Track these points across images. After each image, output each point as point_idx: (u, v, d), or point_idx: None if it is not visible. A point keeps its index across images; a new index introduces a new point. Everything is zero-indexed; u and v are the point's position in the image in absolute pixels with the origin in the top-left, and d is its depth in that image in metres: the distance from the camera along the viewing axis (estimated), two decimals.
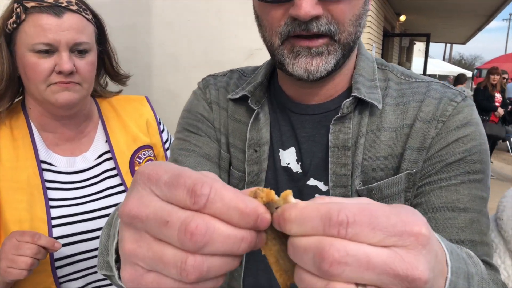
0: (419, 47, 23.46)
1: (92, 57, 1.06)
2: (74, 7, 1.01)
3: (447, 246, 0.40)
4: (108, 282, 1.07)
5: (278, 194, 0.39)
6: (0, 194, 0.97)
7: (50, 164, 1.06)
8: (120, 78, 1.23)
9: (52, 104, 1.02)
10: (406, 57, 13.72)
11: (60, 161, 1.08)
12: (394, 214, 0.31)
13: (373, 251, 0.30)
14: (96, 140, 1.15)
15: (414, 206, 0.72)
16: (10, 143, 1.01)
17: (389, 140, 0.73)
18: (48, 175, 1.04)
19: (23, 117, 1.07)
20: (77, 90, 1.03)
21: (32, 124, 1.07)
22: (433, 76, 22.33)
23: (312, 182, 0.77)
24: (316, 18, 0.64)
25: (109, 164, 1.14)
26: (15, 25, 0.98)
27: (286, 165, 0.79)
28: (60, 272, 1.00)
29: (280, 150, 0.80)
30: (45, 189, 1.01)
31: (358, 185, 0.72)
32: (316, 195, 0.74)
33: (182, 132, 0.85)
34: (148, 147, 1.19)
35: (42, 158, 1.05)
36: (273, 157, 0.80)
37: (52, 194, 1.02)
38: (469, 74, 25.27)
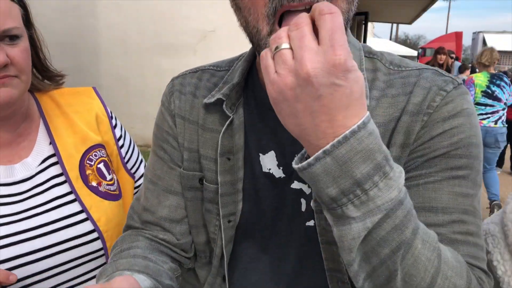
0: (368, 27, 23.97)
1: (24, 43, 0.89)
2: None
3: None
4: None
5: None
6: None
7: None
8: (50, 75, 1.03)
9: None
10: (356, 37, 13.95)
11: None
12: (345, 44, 0.47)
13: (312, 38, 0.47)
14: (38, 142, 0.97)
15: None
16: None
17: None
18: None
19: None
20: (15, 85, 0.87)
21: None
22: None
23: (296, 185, 0.72)
24: None
25: (56, 170, 0.96)
26: None
27: (267, 170, 0.73)
28: None
29: (260, 154, 0.74)
30: None
31: None
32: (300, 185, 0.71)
33: (153, 152, 0.83)
34: (100, 146, 1.02)
35: None
36: (251, 164, 0.74)
37: None
38: (414, 53, 26.22)
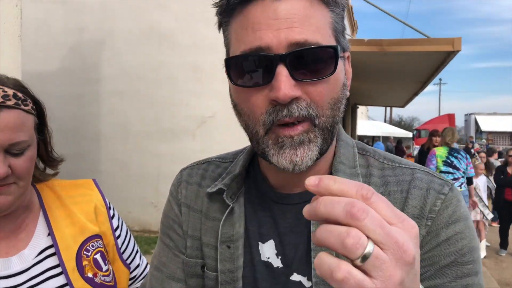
0: (361, 110, 24.81)
1: (31, 151, 0.93)
2: (11, 102, 0.88)
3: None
4: None
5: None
6: None
7: None
8: (53, 164, 1.08)
9: None
10: (351, 119, 14.38)
11: None
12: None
13: (385, 221, 0.41)
14: (36, 234, 0.98)
15: None
16: None
17: None
18: None
19: None
20: (12, 191, 0.90)
21: None
22: (377, 137, 23.48)
23: (295, 277, 0.71)
24: (296, 100, 0.62)
25: (52, 261, 0.96)
26: None
27: (266, 259, 0.74)
28: None
29: (260, 243, 0.75)
30: None
31: None
32: None
33: (160, 240, 0.86)
34: (97, 237, 1.04)
35: None
36: (250, 252, 0.75)
37: None
38: (409, 134, 26.82)
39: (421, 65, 7.20)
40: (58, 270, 0.96)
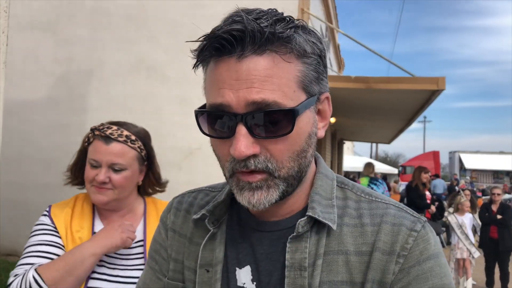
0: (347, 145, 25.04)
1: (127, 173, 1.44)
2: (122, 139, 1.43)
3: None
4: None
5: None
6: (68, 246, 1.38)
7: None
8: (161, 185, 1.63)
9: (92, 199, 1.46)
10: (338, 154, 14.48)
11: None
12: None
13: None
14: (138, 229, 1.50)
15: None
16: (79, 216, 1.47)
17: (347, 264, 0.71)
18: None
19: (90, 201, 1.50)
20: (108, 194, 1.43)
21: (95, 207, 1.51)
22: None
23: None
24: (254, 156, 0.66)
25: (138, 249, 1.47)
26: (86, 145, 1.49)
27: (242, 285, 0.76)
28: None
29: (237, 268, 0.77)
30: None
31: None
32: None
33: (147, 264, 0.93)
34: None
35: (94, 230, 1.45)
36: (227, 277, 0.77)
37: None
38: (395, 171, 27.05)
39: (407, 103, 7.34)
40: (142, 255, 1.47)
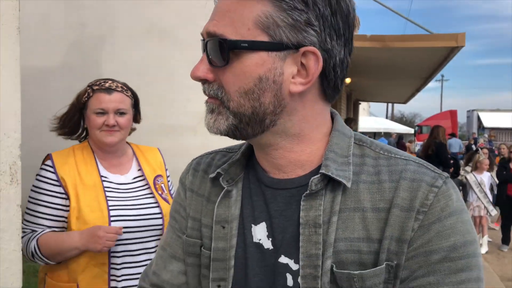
0: (363, 106, 24.78)
1: (128, 116, 1.76)
2: (119, 89, 1.75)
3: None
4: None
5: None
6: (79, 191, 1.64)
7: (106, 177, 1.74)
8: (137, 121, 1.91)
9: (102, 142, 1.72)
10: (353, 114, 14.37)
11: (112, 177, 1.75)
12: None
13: None
14: (132, 168, 1.83)
15: None
16: (84, 164, 1.72)
17: (363, 221, 0.70)
18: (105, 184, 1.71)
19: (90, 151, 1.77)
20: (117, 135, 1.73)
21: (95, 155, 1.76)
22: (378, 133, 23.45)
23: (283, 259, 0.75)
24: (208, 83, 0.72)
25: (141, 183, 1.80)
26: (86, 99, 1.74)
27: (257, 241, 0.78)
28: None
29: (252, 225, 0.79)
30: (104, 189, 1.68)
31: (332, 267, 0.70)
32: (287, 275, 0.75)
33: (169, 223, 0.97)
34: (161, 176, 1.88)
35: (101, 173, 1.73)
36: (244, 234, 0.79)
37: (108, 194, 1.69)
38: (411, 131, 26.77)
39: (424, 61, 7.17)
40: (146, 186, 1.79)
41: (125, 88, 1.79)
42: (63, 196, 1.64)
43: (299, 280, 0.71)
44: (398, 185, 0.70)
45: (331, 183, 0.72)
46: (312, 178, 0.72)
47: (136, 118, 1.88)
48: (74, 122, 1.79)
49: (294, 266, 0.73)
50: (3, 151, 1.31)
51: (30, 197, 1.68)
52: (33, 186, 1.68)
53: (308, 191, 0.72)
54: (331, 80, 0.73)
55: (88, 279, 1.61)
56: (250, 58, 0.68)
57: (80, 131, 1.83)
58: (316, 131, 0.76)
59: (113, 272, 1.64)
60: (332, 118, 0.80)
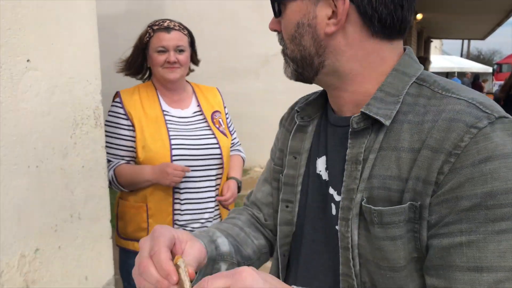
0: (435, 44, 23.14)
1: (187, 53, 1.90)
2: (177, 28, 1.87)
3: None
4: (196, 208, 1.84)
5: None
6: (144, 123, 1.81)
7: (167, 112, 1.89)
8: (195, 63, 2.06)
9: (165, 79, 1.87)
10: (424, 53, 13.53)
11: (173, 111, 1.91)
12: None
13: None
14: (191, 104, 1.99)
15: (429, 247, 0.67)
16: (147, 100, 1.88)
17: (398, 160, 0.70)
18: (166, 117, 1.87)
19: (153, 88, 1.92)
20: (178, 71, 1.86)
21: (158, 92, 1.92)
22: (451, 73, 21.98)
23: (331, 191, 0.81)
24: (278, 33, 0.82)
25: (199, 117, 1.96)
26: (147, 39, 1.86)
27: (319, 172, 0.85)
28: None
29: (316, 158, 0.86)
30: (166, 122, 1.85)
31: (362, 200, 0.73)
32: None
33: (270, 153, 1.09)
34: (219, 111, 2.05)
35: (163, 108, 1.89)
36: (310, 165, 0.88)
37: (169, 126, 1.85)
38: (489, 69, 24.76)
39: None
40: (204, 120, 1.94)
41: (182, 27, 1.91)
42: (131, 128, 1.82)
43: (339, 210, 0.76)
44: (435, 125, 0.67)
45: (378, 122, 0.73)
46: (353, 116, 0.74)
47: (193, 58, 2.00)
48: (138, 63, 1.92)
49: (337, 198, 0.79)
50: (86, 97, 1.44)
51: (105, 131, 1.89)
52: (106, 121, 1.86)
53: (350, 129, 0.75)
54: (373, 17, 0.72)
55: (155, 201, 1.81)
56: (290, 7, 0.77)
57: (143, 71, 1.98)
58: (370, 70, 0.76)
59: (176, 196, 1.83)
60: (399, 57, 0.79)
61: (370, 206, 0.71)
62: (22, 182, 1.24)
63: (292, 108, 1.00)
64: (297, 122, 0.91)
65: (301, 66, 0.80)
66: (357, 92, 0.78)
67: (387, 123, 0.71)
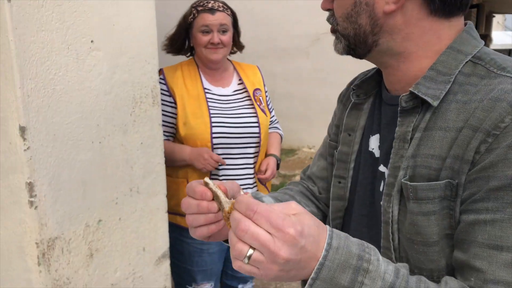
0: (497, 19, 21.66)
1: (230, 34, 1.93)
2: (221, 9, 1.90)
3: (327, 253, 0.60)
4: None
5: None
6: (185, 100, 1.88)
7: (209, 90, 1.94)
8: (239, 47, 2.10)
9: (208, 59, 1.92)
10: (485, 30, 12.74)
11: (215, 89, 1.96)
12: (282, 217, 0.57)
13: (262, 232, 0.57)
14: (233, 82, 2.04)
15: (459, 224, 0.68)
16: (189, 77, 1.94)
17: (441, 139, 0.70)
18: (208, 95, 1.92)
19: (196, 66, 1.98)
20: (221, 52, 1.91)
21: (200, 70, 1.98)
22: None
23: (381, 168, 0.83)
24: (329, 11, 0.83)
25: (241, 96, 2.01)
26: (192, 19, 1.90)
27: (371, 150, 0.87)
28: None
29: (370, 135, 0.88)
30: (207, 99, 1.90)
31: (403, 178, 0.73)
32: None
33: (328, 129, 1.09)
34: (259, 89, 2.08)
35: (205, 86, 1.94)
36: (362, 142, 0.90)
37: (210, 103, 1.90)
38: None
39: None
40: (247, 98, 2.00)
41: (226, 7, 1.94)
42: (173, 105, 1.89)
43: (385, 186, 0.78)
44: (480, 104, 0.66)
45: (426, 102, 0.72)
46: (401, 95, 0.74)
47: (235, 38, 2.03)
48: (181, 41, 1.99)
49: (387, 173, 0.79)
50: (145, 76, 1.50)
51: None
52: None
53: (400, 108, 0.75)
54: None
55: (195, 177, 1.89)
56: None
57: (185, 49, 2.04)
58: (424, 49, 0.75)
59: (215, 171, 1.90)
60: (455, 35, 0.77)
61: (407, 182, 0.72)
62: (86, 157, 1.32)
63: (350, 84, 1.00)
64: (353, 100, 0.92)
65: (353, 43, 0.80)
66: (410, 70, 0.78)
67: (435, 103, 0.71)
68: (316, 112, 5.74)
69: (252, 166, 1.97)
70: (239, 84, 2.04)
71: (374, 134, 0.86)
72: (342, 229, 0.93)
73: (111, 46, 1.36)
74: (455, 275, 0.69)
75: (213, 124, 1.86)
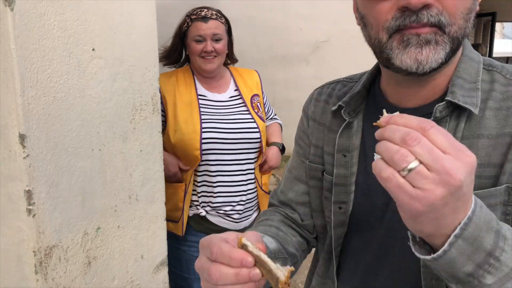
0: (496, 27, 21.73)
1: (224, 42, 1.92)
2: (214, 17, 1.89)
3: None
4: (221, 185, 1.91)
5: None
6: (178, 107, 1.86)
7: (204, 96, 1.93)
8: (232, 60, 2.10)
9: (202, 69, 1.92)
10: (482, 39, 12.80)
11: (210, 95, 1.95)
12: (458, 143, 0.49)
13: (439, 150, 0.48)
14: (229, 89, 2.02)
15: None
16: (184, 84, 1.92)
17: (487, 147, 0.69)
18: (201, 101, 1.91)
19: (191, 73, 1.97)
20: (215, 61, 1.91)
21: (195, 77, 1.97)
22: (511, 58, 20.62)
23: None
24: (427, 7, 0.64)
25: (238, 101, 1.99)
26: (186, 28, 1.91)
27: None
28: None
29: (375, 154, 0.80)
30: (199, 106, 1.88)
31: None
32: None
33: (294, 148, 1.03)
34: (257, 95, 2.05)
35: (199, 92, 1.93)
36: (365, 161, 0.83)
37: (202, 109, 1.88)
38: None
39: None
40: (243, 104, 1.97)
41: (219, 15, 1.94)
42: (162, 113, 1.84)
43: None
44: None
45: (457, 110, 0.71)
46: (437, 105, 0.71)
47: (229, 46, 2.01)
48: (178, 52, 2.00)
49: None
50: (145, 83, 1.50)
51: None
52: None
53: (432, 118, 0.71)
54: None
55: (189, 179, 1.89)
56: None
57: (182, 60, 2.04)
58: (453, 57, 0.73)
59: (207, 178, 1.89)
60: None
61: None
62: (86, 164, 1.31)
63: (318, 100, 0.94)
64: (347, 120, 0.85)
65: (454, 48, 0.68)
66: (441, 79, 0.74)
67: (476, 111, 0.69)
68: None
69: (253, 171, 1.95)
70: (235, 90, 2.02)
71: None
72: (340, 256, 0.90)
73: (112, 54, 1.36)
74: None
75: (204, 130, 1.83)
